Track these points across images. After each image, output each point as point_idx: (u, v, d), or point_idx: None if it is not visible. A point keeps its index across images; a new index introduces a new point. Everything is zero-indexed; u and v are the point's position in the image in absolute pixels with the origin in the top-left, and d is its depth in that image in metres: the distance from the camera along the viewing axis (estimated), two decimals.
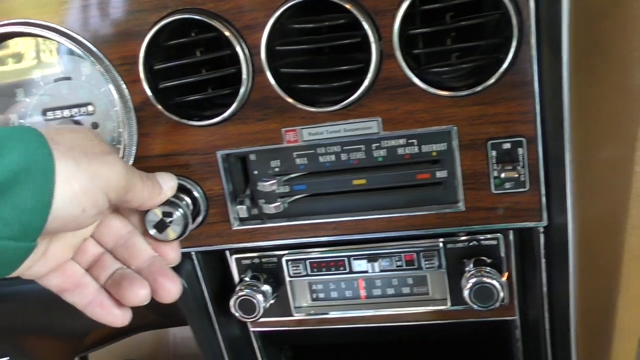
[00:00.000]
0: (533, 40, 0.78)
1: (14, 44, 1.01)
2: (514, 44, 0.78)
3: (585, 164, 0.75)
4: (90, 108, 1.02)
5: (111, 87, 0.93)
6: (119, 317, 0.79)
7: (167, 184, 0.85)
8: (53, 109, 1.04)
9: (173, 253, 0.87)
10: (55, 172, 0.65)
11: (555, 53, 0.72)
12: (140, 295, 0.78)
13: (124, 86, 0.94)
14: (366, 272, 0.98)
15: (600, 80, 0.67)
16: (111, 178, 0.71)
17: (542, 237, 0.89)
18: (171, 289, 0.81)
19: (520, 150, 0.84)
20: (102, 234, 0.83)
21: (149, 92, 0.91)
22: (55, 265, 0.78)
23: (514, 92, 0.82)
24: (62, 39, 0.93)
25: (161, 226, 0.86)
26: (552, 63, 0.76)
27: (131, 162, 0.97)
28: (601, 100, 0.67)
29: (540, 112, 0.82)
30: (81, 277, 0.80)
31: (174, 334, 2.25)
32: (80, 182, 0.67)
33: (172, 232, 0.87)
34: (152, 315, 1.17)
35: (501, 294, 0.89)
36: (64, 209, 0.66)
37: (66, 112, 1.03)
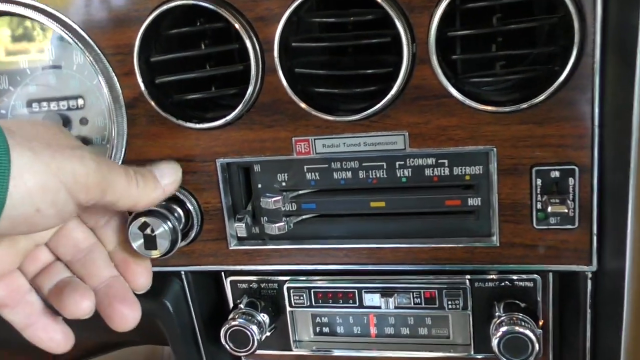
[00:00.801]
0: (597, 51, 0.66)
1: None
2: (573, 54, 0.66)
3: None
4: (80, 101, 0.91)
5: (101, 78, 0.82)
6: (60, 343, 0.69)
7: (167, 177, 0.75)
8: (39, 100, 0.93)
9: (142, 278, 0.76)
10: (10, 165, 0.54)
11: (627, 67, 0.60)
12: (82, 306, 0.68)
13: (115, 79, 0.82)
14: (379, 307, 0.86)
15: None
16: (79, 174, 0.60)
17: (589, 284, 0.76)
18: (127, 317, 0.71)
19: (571, 181, 0.72)
20: (59, 243, 0.73)
21: (142, 87, 0.80)
22: None
23: (568, 112, 0.70)
24: (48, 21, 0.82)
25: (147, 239, 0.75)
26: (619, 79, 0.64)
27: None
28: None
29: (599, 137, 0.69)
30: (25, 293, 0.69)
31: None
32: (37, 176, 0.57)
33: (157, 247, 0.75)
34: (132, 334, 1.05)
35: (536, 347, 0.77)
36: (14, 208, 0.55)
37: (53, 105, 0.92)
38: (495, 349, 0.78)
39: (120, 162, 0.85)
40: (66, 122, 0.92)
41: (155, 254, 0.77)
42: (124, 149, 0.85)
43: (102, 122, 0.90)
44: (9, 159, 0.54)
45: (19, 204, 0.55)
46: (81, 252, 0.72)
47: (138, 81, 0.80)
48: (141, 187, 0.70)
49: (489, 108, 0.71)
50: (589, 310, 0.78)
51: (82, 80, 0.90)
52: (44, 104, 0.93)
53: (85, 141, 0.91)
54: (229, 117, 0.79)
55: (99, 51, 0.81)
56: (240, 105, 0.77)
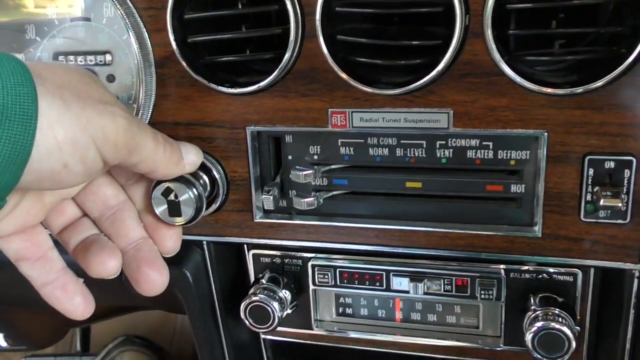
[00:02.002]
0: None
1: None
2: None
3: None
4: (108, 57, 0.87)
5: (131, 34, 0.78)
6: (79, 307, 0.65)
7: (190, 156, 0.71)
8: (66, 54, 0.89)
9: (171, 241, 0.72)
10: (38, 115, 0.51)
11: None
12: (108, 265, 0.64)
13: (146, 35, 0.78)
14: (407, 292, 0.82)
15: None
16: (109, 131, 0.56)
17: (635, 283, 0.72)
18: (155, 281, 0.67)
19: (626, 173, 0.67)
20: (87, 199, 0.69)
21: (174, 46, 0.76)
22: (22, 226, 0.64)
23: (631, 99, 0.65)
24: None
25: (171, 206, 0.71)
26: None
27: None
28: None
29: None
30: (47, 250, 0.66)
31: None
32: (67, 130, 0.53)
33: (181, 214, 0.72)
34: (147, 299, 1.03)
35: (573, 345, 0.73)
36: (40, 162, 0.52)
37: (80, 59, 0.88)
38: (529, 343, 0.74)
39: (146, 123, 0.82)
40: None
41: (178, 221, 0.73)
42: (151, 110, 0.81)
43: (129, 80, 0.86)
44: (36, 108, 0.51)
45: (46, 158, 0.52)
46: (110, 209, 0.69)
47: (170, 39, 0.76)
48: (167, 156, 0.66)
49: (544, 89, 0.66)
50: (632, 312, 0.73)
51: (112, 35, 0.86)
52: (71, 57, 0.89)
53: None
54: (262, 83, 0.74)
55: (130, 4, 0.77)
56: (276, 71, 0.73)
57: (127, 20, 0.77)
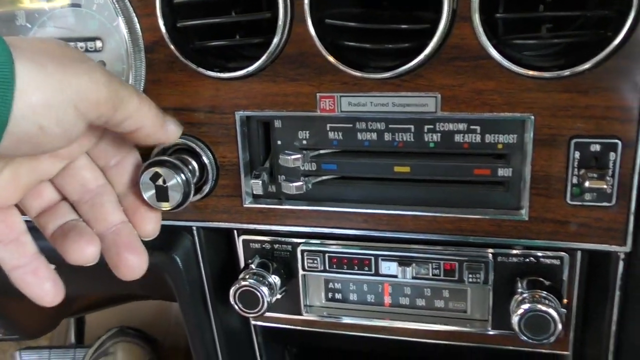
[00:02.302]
0: None
1: None
2: (630, 18, 0.61)
3: None
4: (98, 44, 0.87)
5: (120, 19, 0.78)
6: (49, 293, 0.64)
7: (170, 124, 0.69)
8: None
9: (151, 225, 0.72)
10: (15, 78, 0.51)
11: None
12: (86, 252, 0.64)
13: (135, 20, 0.78)
14: (395, 276, 0.82)
15: None
16: (87, 89, 0.55)
17: (621, 265, 0.72)
18: (134, 265, 0.67)
19: (612, 155, 0.68)
20: (65, 181, 0.68)
21: (163, 30, 0.76)
22: None
23: (617, 82, 0.65)
24: None
25: (159, 191, 0.71)
26: None
27: None
28: None
29: None
30: (20, 233, 0.65)
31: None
32: (41, 91, 0.52)
33: (169, 199, 0.72)
34: (139, 288, 1.03)
35: (559, 327, 0.73)
36: (16, 125, 0.52)
37: (71, 45, 0.88)
38: (515, 326, 0.74)
39: None
40: None
41: (166, 206, 0.73)
42: None
43: (120, 67, 0.86)
44: (12, 71, 0.50)
45: (21, 121, 0.52)
46: (89, 193, 0.69)
47: (159, 24, 0.76)
48: (153, 113, 0.65)
49: (531, 73, 0.66)
50: (617, 293, 0.74)
51: (102, 21, 0.86)
52: None
53: None
54: (251, 68, 0.75)
55: None
56: (265, 56, 0.73)
57: (117, 5, 0.77)
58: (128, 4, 0.78)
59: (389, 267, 0.82)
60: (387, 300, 0.86)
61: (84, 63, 0.57)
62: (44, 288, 0.63)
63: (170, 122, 0.70)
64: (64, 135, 0.56)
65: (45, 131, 0.54)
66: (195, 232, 0.88)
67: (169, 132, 0.69)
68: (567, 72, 0.66)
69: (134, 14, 0.78)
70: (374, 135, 0.77)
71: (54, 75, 0.53)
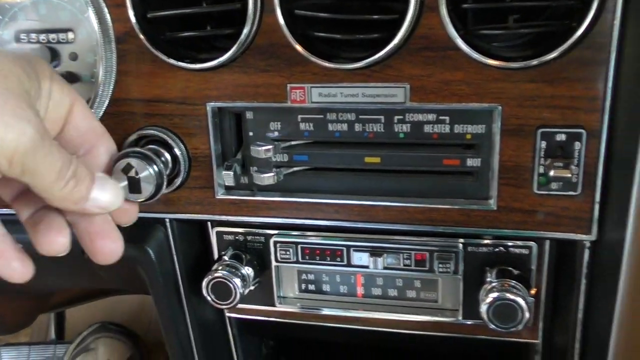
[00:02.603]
0: (619, 6, 0.62)
1: None
2: (593, 9, 0.62)
3: None
4: (70, 35, 0.86)
5: (90, 9, 0.77)
6: (16, 272, 0.62)
7: (101, 198, 0.62)
8: (27, 32, 0.88)
9: (127, 214, 0.72)
10: None
11: None
12: (55, 243, 0.63)
13: (106, 10, 0.78)
14: (367, 267, 0.83)
15: None
16: (8, 146, 0.52)
17: (586, 253, 0.73)
18: (110, 251, 0.66)
19: (577, 145, 0.68)
20: None
21: (134, 21, 0.76)
22: None
23: (581, 72, 0.66)
24: None
25: (131, 182, 0.71)
26: None
27: (106, 104, 0.82)
28: None
29: (612, 101, 0.66)
30: None
31: None
32: None
33: (141, 191, 0.72)
34: (115, 282, 1.03)
35: (526, 315, 0.74)
36: None
37: (42, 37, 0.87)
38: (484, 314, 0.75)
39: (107, 101, 0.81)
40: (55, 56, 0.87)
41: (138, 197, 0.73)
42: (112, 87, 0.81)
43: (92, 58, 0.86)
44: None
45: None
46: None
47: (129, 14, 0.75)
48: (65, 192, 0.59)
49: (497, 63, 0.67)
50: (584, 281, 0.75)
51: (73, 12, 0.85)
52: (33, 35, 0.88)
53: (74, 77, 0.87)
54: (222, 59, 0.75)
55: None
56: (235, 47, 0.73)
57: None
58: None
59: (361, 258, 0.83)
60: (360, 291, 0.86)
61: (22, 118, 0.54)
62: (12, 267, 0.62)
63: (105, 191, 0.63)
64: None
65: None
66: (168, 224, 0.88)
67: (87, 207, 0.62)
68: (533, 62, 0.67)
69: (104, 5, 0.78)
70: (345, 126, 0.77)
71: None
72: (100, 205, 0.63)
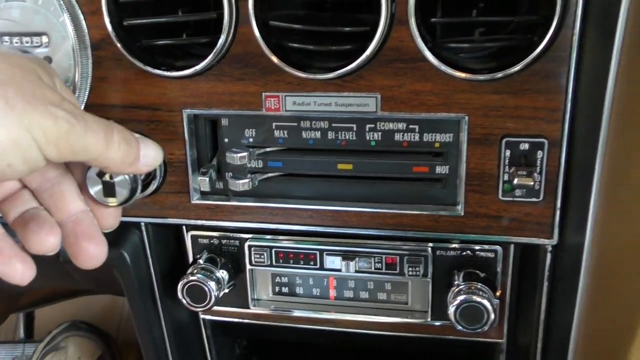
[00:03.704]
0: (578, 23, 0.65)
1: None
2: (553, 24, 0.65)
3: (621, 178, 0.63)
4: (44, 39, 0.86)
5: (66, 15, 0.78)
6: (18, 272, 0.62)
7: (149, 153, 0.67)
8: (1, 34, 0.88)
9: (111, 218, 0.72)
10: None
11: (606, 41, 0.59)
12: (46, 242, 0.64)
13: (81, 17, 0.79)
14: (339, 270, 0.85)
15: None
16: (50, 133, 0.55)
17: (548, 257, 0.77)
18: (93, 255, 0.66)
19: (539, 154, 0.72)
20: None
21: (110, 28, 0.76)
22: None
23: (543, 84, 0.69)
24: None
25: (106, 186, 0.72)
26: (598, 53, 0.63)
27: (82, 109, 0.82)
28: None
29: (572, 112, 0.69)
30: None
31: None
32: (10, 131, 0.53)
33: (115, 195, 0.72)
34: (89, 283, 1.03)
35: (492, 317, 0.77)
36: None
37: (16, 40, 0.87)
38: (452, 316, 0.78)
39: (83, 106, 0.82)
40: None
41: (112, 202, 0.73)
42: (87, 93, 0.82)
43: (67, 62, 0.86)
44: None
45: None
46: (48, 181, 0.68)
47: (105, 22, 0.76)
48: (120, 155, 0.63)
49: (463, 75, 0.70)
50: (545, 283, 0.78)
51: (48, 16, 0.85)
52: (6, 38, 0.88)
53: None
54: (198, 67, 0.76)
55: None
56: (211, 55, 0.75)
57: (62, 2, 0.77)
58: (73, 0, 0.78)
59: (334, 262, 0.85)
60: (332, 293, 0.89)
61: (50, 104, 0.56)
62: (13, 267, 0.62)
63: (149, 149, 0.67)
64: (29, 170, 0.56)
65: (13, 167, 0.55)
66: (143, 228, 0.89)
67: (142, 167, 0.67)
68: (498, 75, 0.69)
69: (79, 11, 0.78)
70: (318, 134, 0.80)
71: (21, 116, 0.53)
72: (149, 163, 0.67)
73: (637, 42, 0.58)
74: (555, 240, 0.75)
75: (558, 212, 0.73)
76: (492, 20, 0.70)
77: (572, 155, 0.71)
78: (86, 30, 0.79)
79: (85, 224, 0.68)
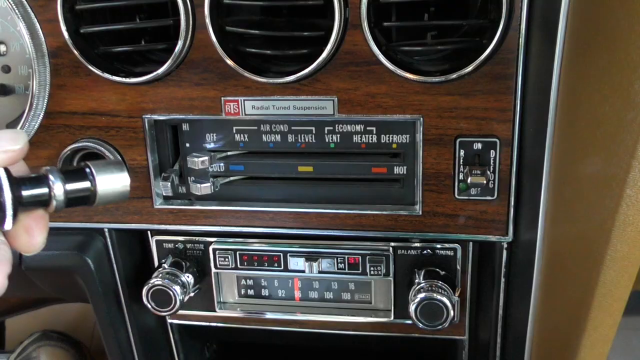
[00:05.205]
0: (523, 26, 0.67)
1: None
2: (500, 28, 0.67)
3: (566, 177, 0.65)
4: (2, 48, 0.87)
5: (22, 24, 0.78)
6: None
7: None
8: None
9: (35, 239, 0.56)
10: None
11: (549, 43, 0.61)
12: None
13: (37, 26, 0.79)
14: (303, 271, 0.86)
15: (599, 79, 0.55)
16: None
17: (504, 254, 0.79)
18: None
19: (492, 153, 0.73)
20: None
21: (66, 36, 0.77)
22: None
23: (492, 85, 0.71)
24: None
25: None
26: (542, 55, 0.65)
27: (40, 117, 0.82)
28: (596, 104, 0.56)
29: (520, 112, 0.71)
30: None
31: None
32: None
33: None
34: (53, 291, 1.03)
35: (451, 314, 0.79)
36: None
37: None
38: (412, 314, 0.80)
39: (41, 114, 0.82)
40: None
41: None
42: (46, 100, 0.82)
43: (25, 71, 0.86)
44: None
45: None
46: None
47: (62, 29, 0.76)
48: None
49: (417, 77, 0.71)
50: (502, 280, 0.80)
51: (5, 25, 0.85)
52: None
53: (7, 90, 0.87)
54: (157, 73, 0.76)
55: None
56: (169, 61, 0.75)
57: (17, 11, 0.77)
58: (29, 9, 0.78)
59: (297, 263, 0.86)
60: (297, 294, 0.90)
61: None
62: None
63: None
64: None
65: None
66: (107, 234, 0.89)
67: None
68: (451, 77, 0.71)
69: (35, 20, 0.78)
70: (278, 137, 0.81)
71: None
72: (6, 150, 0.53)
73: (577, 43, 0.60)
74: (510, 237, 0.77)
75: (512, 210, 0.75)
76: (444, 24, 0.71)
77: (523, 153, 0.73)
78: (43, 39, 0.79)
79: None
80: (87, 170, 0.56)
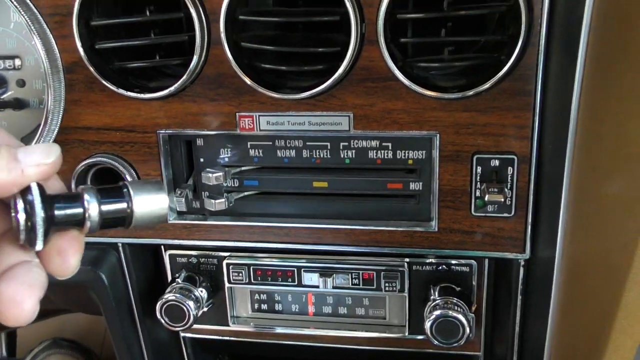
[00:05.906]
0: (542, 42, 0.66)
1: None
2: (519, 44, 0.66)
3: (586, 195, 0.64)
4: (17, 62, 0.87)
5: (37, 40, 0.78)
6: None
7: (32, 157, 0.49)
8: None
9: (68, 262, 0.51)
10: None
11: (569, 59, 0.60)
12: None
13: (53, 41, 0.79)
14: (317, 287, 0.85)
15: (623, 98, 0.55)
16: None
17: (521, 271, 0.78)
18: (14, 315, 0.48)
19: (509, 170, 0.73)
20: None
21: (81, 52, 0.77)
22: None
23: (511, 102, 0.70)
24: None
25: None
26: (563, 71, 0.64)
27: (55, 132, 0.82)
28: (620, 123, 0.55)
29: (539, 129, 0.70)
30: None
31: None
32: None
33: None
34: (66, 304, 1.03)
35: (467, 331, 0.78)
36: None
37: None
38: (428, 331, 0.79)
39: (56, 129, 0.82)
40: (2, 82, 0.88)
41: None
42: (60, 115, 0.82)
43: (40, 85, 0.87)
44: None
45: None
46: None
47: (77, 45, 0.76)
48: None
49: (434, 94, 0.71)
50: (519, 297, 0.79)
51: (20, 40, 0.86)
52: None
53: (22, 104, 0.87)
54: (171, 88, 0.76)
55: (35, 10, 0.77)
56: (184, 77, 0.75)
57: (32, 27, 0.77)
58: (45, 25, 0.78)
59: (311, 278, 0.85)
60: (311, 309, 0.89)
61: None
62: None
63: (33, 152, 0.51)
64: None
65: None
66: (121, 249, 0.89)
67: (26, 174, 0.49)
68: (467, 93, 0.70)
69: (50, 36, 0.78)
70: (293, 153, 0.80)
71: None
72: (40, 164, 0.49)
73: (599, 60, 0.59)
74: (527, 254, 0.76)
75: (529, 227, 0.74)
76: (461, 39, 0.71)
77: (542, 171, 0.72)
78: (58, 54, 0.79)
79: (18, 279, 0.49)
80: (125, 190, 0.52)
